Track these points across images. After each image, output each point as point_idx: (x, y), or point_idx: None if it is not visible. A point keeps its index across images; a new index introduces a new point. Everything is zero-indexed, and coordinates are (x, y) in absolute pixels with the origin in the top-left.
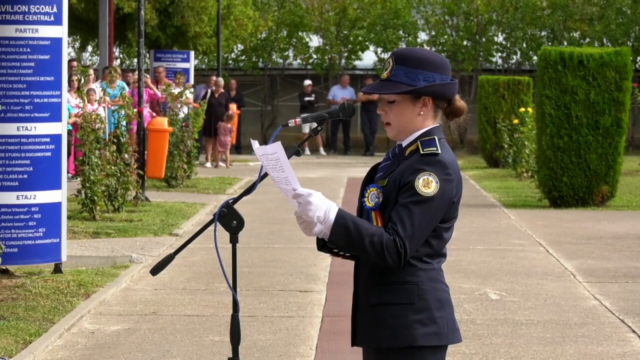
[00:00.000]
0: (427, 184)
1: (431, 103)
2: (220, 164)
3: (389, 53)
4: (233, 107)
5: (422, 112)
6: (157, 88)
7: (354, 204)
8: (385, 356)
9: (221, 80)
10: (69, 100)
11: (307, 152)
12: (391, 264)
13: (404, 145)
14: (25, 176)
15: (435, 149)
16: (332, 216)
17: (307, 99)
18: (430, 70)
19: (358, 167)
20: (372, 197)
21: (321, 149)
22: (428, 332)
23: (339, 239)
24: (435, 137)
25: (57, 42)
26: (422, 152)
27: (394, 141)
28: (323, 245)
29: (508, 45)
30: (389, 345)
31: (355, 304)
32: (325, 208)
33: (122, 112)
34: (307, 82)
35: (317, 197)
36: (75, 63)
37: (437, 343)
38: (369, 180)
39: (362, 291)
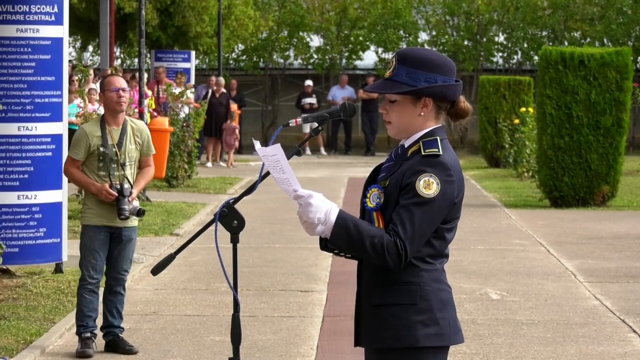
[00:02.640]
0: (428, 185)
1: (432, 104)
2: (221, 163)
3: (390, 53)
4: (234, 107)
5: (422, 113)
6: (158, 88)
7: (354, 204)
8: (387, 357)
9: (222, 80)
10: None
11: (308, 151)
12: (392, 265)
13: (406, 146)
14: (26, 176)
15: (436, 150)
16: (333, 217)
17: (308, 100)
18: (432, 71)
19: (359, 167)
20: (374, 198)
21: (322, 149)
22: (430, 332)
23: (339, 240)
24: (437, 138)
25: (58, 42)
26: (423, 153)
27: (395, 141)
28: (326, 244)
29: (509, 45)
30: (391, 345)
31: (359, 304)
32: (326, 209)
33: None
34: (308, 82)
35: (318, 199)
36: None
37: (439, 344)
38: (371, 180)
39: (365, 291)
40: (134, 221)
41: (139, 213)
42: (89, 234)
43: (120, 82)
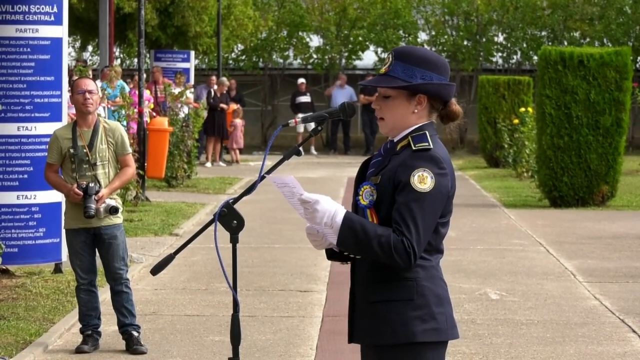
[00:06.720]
0: (423, 180)
1: (426, 102)
2: (221, 163)
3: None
4: (233, 107)
5: (416, 110)
6: (156, 88)
7: None
8: (385, 353)
9: (225, 80)
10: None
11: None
12: (401, 264)
13: (395, 141)
14: (26, 176)
15: (427, 144)
16: (339, 220)
17: (302, 99)
18: (429, 70)
19: (358, 167)
20: (367, 195)
21: (312, 148)
22: (427, 328)
23: (347, 242)
24: (427, 132)
25: (57, 42)
26: (414, 148)
27: None
28: (331, 254)
29: (508, 45)
30: (389, 342)
31: (353, 301)
32: (332, 212)
33: (123, 112)
34: (301, 80)
35: (324, 203)
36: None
37: (436, 339)
38: (361, 177)
39: (360, 288)
40: (113, 219)
41: (111, 211)
42: (69, 238)
43: (87, 84)
